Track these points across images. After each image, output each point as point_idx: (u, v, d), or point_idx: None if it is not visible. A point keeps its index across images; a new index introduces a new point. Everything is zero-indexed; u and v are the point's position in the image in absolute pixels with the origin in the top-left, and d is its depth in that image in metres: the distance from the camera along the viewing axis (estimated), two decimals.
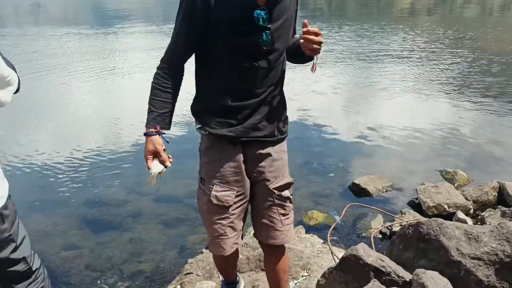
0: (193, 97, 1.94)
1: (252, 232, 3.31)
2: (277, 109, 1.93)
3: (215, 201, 1.90)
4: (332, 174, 4.71)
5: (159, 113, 1.81)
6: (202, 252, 3.06)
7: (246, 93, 1.83)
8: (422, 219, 3.61)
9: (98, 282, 3.22)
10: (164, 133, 1.84)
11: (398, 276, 2.13)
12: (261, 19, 1.72)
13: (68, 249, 3.58)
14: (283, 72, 1.94)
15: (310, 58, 1.85)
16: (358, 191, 4.31)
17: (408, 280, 2.12)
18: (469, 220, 3.47)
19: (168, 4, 28.10)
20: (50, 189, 4.57)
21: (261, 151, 1.92)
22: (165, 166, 1.83)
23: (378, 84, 8.30)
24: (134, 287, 3.15)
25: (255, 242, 3.02)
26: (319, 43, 1.71)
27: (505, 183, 3.96)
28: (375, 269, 2.17)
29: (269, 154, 1.93)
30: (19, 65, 9.64)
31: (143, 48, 12.18)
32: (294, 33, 1.98)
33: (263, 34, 1.74)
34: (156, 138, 1.80)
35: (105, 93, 8.01)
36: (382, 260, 2.19)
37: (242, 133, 1.86)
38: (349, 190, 4.36)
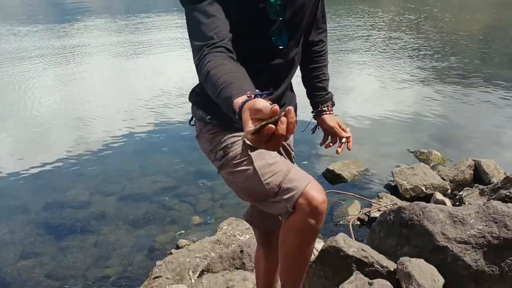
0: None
1: (224, 227, 3.14)
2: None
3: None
4: (306, 162, 4.55)
5: (235, 86, 1.14)
6: (171, 253, 2.84)
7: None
8: (400, 202, 3.51)
9: None
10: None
11: (382, 266, 1.98)
12: (276, 12, 1.43)
13: (27, 257, 3.30)
14: (296, 69, 1.66)
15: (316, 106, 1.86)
16: (333, 178, 4.17)
17: (392, 269, 1.97)
18: (448, 201, 3.38)
19: None
20: (7, 194, 4.24)
21: None
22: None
23: (345, 69, 8.18)
24: None
25: (228, 238, 2.84)
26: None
27: (481, 161, 3.89)
28: (357, 260, 2.01)
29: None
30: None
31: (105, 45, 11.72)
32: (324, 19, 1.69)
33: (278, 29, 1.46)
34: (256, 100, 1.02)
35: (63, 93, 7.57)
36: (363, 250, 2.04)
37: None
38: (324, 177, 4.22)
